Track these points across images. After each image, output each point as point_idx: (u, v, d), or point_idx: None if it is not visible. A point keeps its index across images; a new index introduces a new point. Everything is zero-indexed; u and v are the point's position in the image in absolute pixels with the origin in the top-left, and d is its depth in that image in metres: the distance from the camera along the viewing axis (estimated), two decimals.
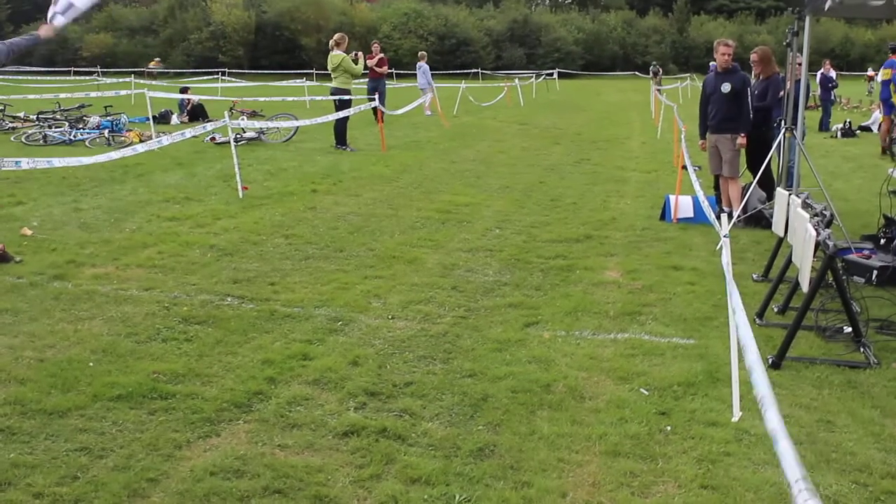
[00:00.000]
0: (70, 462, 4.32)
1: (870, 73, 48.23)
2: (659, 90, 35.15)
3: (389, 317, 6.78)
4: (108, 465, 4.30)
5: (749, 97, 10.33)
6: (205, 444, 4.55)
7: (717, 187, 11.06)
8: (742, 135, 10.29)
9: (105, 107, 21.42)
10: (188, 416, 4.85)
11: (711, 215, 7.77)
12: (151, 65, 55.49)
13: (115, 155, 10.71)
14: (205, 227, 9.98)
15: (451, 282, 7.83)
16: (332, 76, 18.77)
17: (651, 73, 43.27)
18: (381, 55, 22.92)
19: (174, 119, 24.40)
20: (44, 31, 7.63)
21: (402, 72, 60.16)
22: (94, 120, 20.27)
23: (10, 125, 21.19)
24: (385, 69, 22.89)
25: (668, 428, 4.81)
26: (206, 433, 4.67)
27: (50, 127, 19.84)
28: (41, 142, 18.78)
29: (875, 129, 24.26)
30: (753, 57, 11.41)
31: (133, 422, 4.78)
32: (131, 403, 5.02)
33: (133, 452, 4.42)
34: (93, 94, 24.88)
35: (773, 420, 2.74)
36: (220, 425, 4.78)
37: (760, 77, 11.30)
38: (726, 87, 10.28)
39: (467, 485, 4.19)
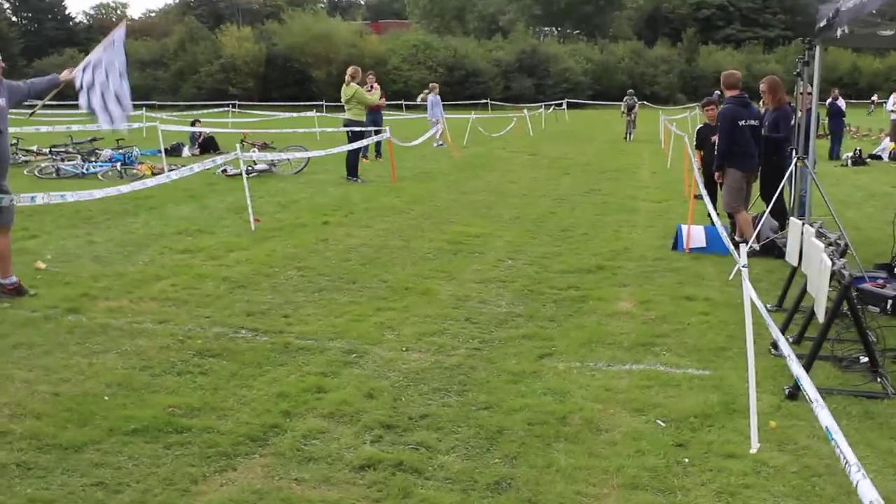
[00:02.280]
0: (87, 497, 4.31)
1: (874, 98, 51.29)
2: (630, 132, 33.21)
3: (403, 349, 6.77)
4: (124, 501, 4.29)
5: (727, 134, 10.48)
6: (221, 479, 4.53)
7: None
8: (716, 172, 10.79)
9: (117, 140, 21.52)
10: (204, 451, 4.84)
11: (730, 244, 7.77)
12: (421, 98, 54.61)
13: (125, 189, 10.74)
14: (217, 259, 10.01)
15: (465, 313, 7.83)
16: (346, 108, 18.80)
17: (624, 106, 34.86)
18: (377, 87, 22.49)
19: (185, 151, 24.50)
20: (64, 75, 7.87)
21: (411, 103, 60.43)
22: (106, 153, 20.42)
23: (24, 158, 21.31)
24: (383, 102, 22.44)
25: (686, 460, 4.78)
26: (222, 467, 4.66)
27: (62, 160, 19.96)
28: (54, 175, 18.90)
29: (885, 156, 24.29)
30: (763, 87, 11.44)
31: (149, 456, 4.77)
32: (147, 437, 5.01)
33: (149, 487, 4.41)
34: (105, 127, 24.98)
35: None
36: (236, 459, 4.76)
37: (771, 107, 11.31)
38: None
39: None
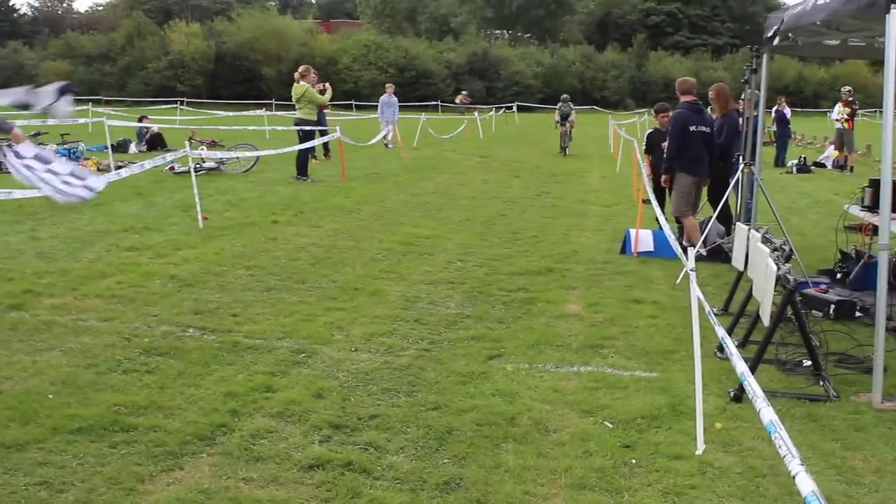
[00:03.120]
0: (30, 497, 4.24)
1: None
2: (566, 146, 27.92)
3: (353, 349, 6.76)
4: (68, 500, 4.22)
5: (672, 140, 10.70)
6: (168, 478, 4.49)
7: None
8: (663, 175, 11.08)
9: (62, 135, 21.22)
10: (150, 450, 4.79)
11: (678, 248, 7.87)
12: (459, 99, 51.24)
13: None
14: (165, 257, 9.90)
15: (414, 314, 7.82)
16: (297, 106, 18.69)
17: (559, 114, 28.93)
18: (328, 86, 21.97)
19: (132, 148, 24.20)
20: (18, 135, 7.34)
21: (361, 103, 60.38)
22: (50, 148, 20.05)
23: None
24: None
25: (633, 461, 4.82)
26: (169, 466, 4.61)
27: (5, 155, 19.57)
28: None
29: (829, 164, 24.71)
30: (711, 94, 11.62)
31: (94, 455, 4.70)
32: (92, 436, 4.94)
33: (94, 487, 4.35)
34: (49, 122, 24.55)
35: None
36: (183, 458, 4.71)
37: (718, 114, 11.47)
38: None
39: None
